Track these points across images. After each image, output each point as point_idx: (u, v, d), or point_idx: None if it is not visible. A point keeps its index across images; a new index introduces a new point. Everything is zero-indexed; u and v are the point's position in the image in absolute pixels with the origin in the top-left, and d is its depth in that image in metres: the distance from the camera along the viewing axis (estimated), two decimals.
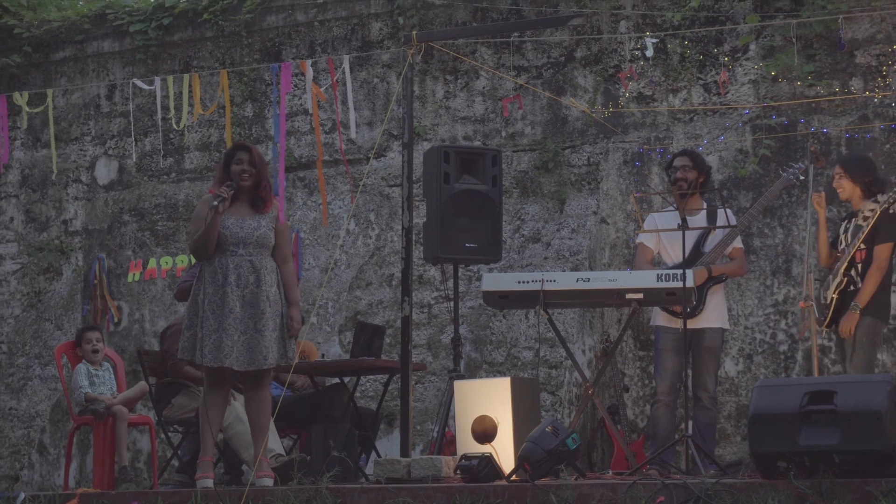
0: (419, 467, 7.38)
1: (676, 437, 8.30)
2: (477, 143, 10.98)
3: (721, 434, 9.86)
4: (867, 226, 7.99)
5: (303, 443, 9.36)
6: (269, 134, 11.71)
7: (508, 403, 7.82)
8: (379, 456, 8.79)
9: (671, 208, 8.42)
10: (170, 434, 9.26)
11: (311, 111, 10.81)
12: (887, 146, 9.92)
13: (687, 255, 8.44)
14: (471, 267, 10.50)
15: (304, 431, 9.20)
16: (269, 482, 7.53)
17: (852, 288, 8.04)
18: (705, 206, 8.71)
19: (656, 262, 8.96)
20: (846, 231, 8.18)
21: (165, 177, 12.15)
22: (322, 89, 10.56)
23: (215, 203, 7.48)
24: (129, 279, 12.04)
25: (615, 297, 8.09)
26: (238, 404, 8.35)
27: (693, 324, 8.46)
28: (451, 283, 9.65)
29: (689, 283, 7.85)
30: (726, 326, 8.80)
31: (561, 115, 10.95)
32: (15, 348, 12.31)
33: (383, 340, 9.35)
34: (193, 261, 11.41)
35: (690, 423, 8.45)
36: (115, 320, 11.98)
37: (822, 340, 9.54)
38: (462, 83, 11.27)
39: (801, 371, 9.89)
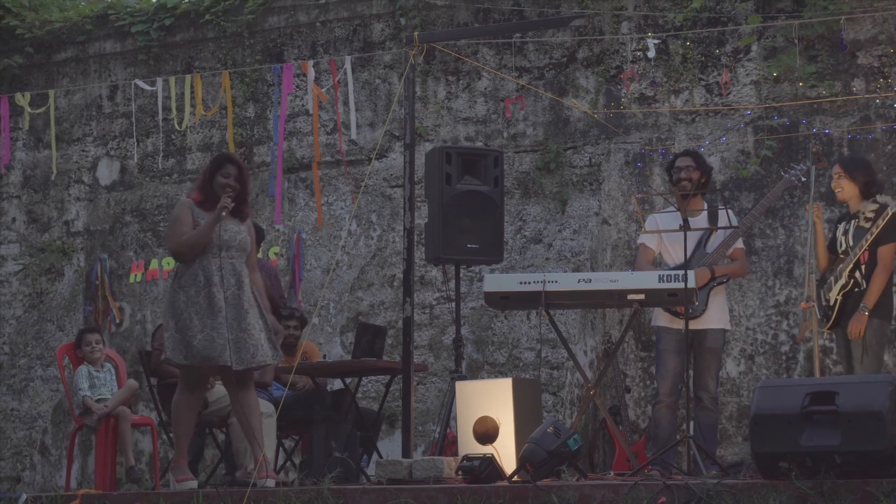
0: (421, 468, 7.38)
1: (678, 437, 8.30)
2: (479, 144, 10.99)
3: (722, 435, 9.86)
4: (876, 228, 7.97)
5: (304, 444, 9.37)
6: (271, 135, 11.71)
7: (510, 404, 7.82)
8: (381, 457, 8.79)
9: (672, 209, 8.42)
10: (171, 435, 9.26)
11: (312, 112, 10.81)
12: (889, 147, 9.92)
13: (689, 256, 8.44)
14: (472, 268, 10.49)
15: (305, 432, 9.20)
16: (271, 483, 7.53)
17: (857, 289, 8.03)
18: (706, 206, 8.71)
19: (657, 263, 8.95)
20: (846, 233, 8.16)
21: (167, 177, 12.15)
22: (324, 90, 10.57)
23: (223, 213, 7.61)
24: (131, 280, 12.05)
25: (617, 298, 8.08)
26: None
27: (695, 324, 8.46)
28: (452, 284, 9.65)
29: (691, 283, 7.85)
30: (728, 327, 8.80)
31: (563, 116, 10.96)
32: (17, 349, 12.32)
33: (385, 341, 9.35)
34: None
35: (692, 424, 8.46)
36: (117, 321, 11.99)
37: (822, 341, 9.54)
38: (464, 84, 11.27)
39: (802, 372, 9.89)
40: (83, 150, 12.48)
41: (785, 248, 10.10)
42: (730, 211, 8.68)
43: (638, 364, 10.40)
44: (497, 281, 8.28)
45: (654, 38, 10.19)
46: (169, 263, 11.83)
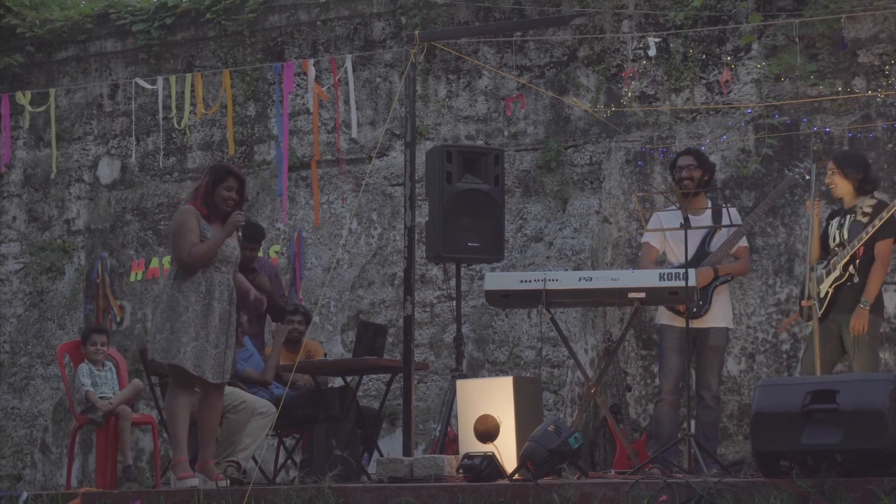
0: (421, 466, 7.38)
1: (679, 436, 8.30)
2: (479, 143, 10.98)
3: (723, 433, 9.86)
4: (879, 220, 7.96)
5: (305, 442, 9.37)
6: (272, 133, 11.71)
7: (511, 402, 7.82)
8: (381, 455, 8.79)
9: (675, 207, 8.42)
10: (168, 434, 9.26)
11: (312, 110, 10.81)
12: (890, 145, 9.91)
13: (692, 254, 8.44)
14: (473, 266, 10.50)
15: (306, 431, 9.20)
16: (193, 482, 7.57)
17: (849, 283, 8.05)
18: (710, 205, 8.70)
19: (661, 262, 8.95)
20: (840, 227, 8.16)
21: (168, 176, 12.15)
22: (324, 89, 10.57)
23: (239, 232, 7.84)
24: (132, 278, 12.05)
25: (617, 297, 8.09)
26: (252, 397, 8.43)
27: (698, 323, 8.46)
28: (453, 283, 9.65)
29: (692, 282, 7.85)
30: (731, 326, 8.79)
31: (563, 115, 10.95)
32: (17, 348, 12.32)
33: (386, 340, 9.35)
34: None
35: (693, 422, 8.46)
36: (118, 320, 11.99)
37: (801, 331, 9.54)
38: (464, 82, 11.27)
39: (803, 370, 9.88)
40: (84, 149, 12.48)
41: (786, 246, 10.10)
42: (733, 209, 8.68)
43: (639, 362, 10.40)
44: (498, 279, 8.28)
45: (654, 36, 10.19)
46: (169, 262, 11.81)
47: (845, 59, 10.12)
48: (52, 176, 12.10)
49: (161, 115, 11.34)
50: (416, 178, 8.51)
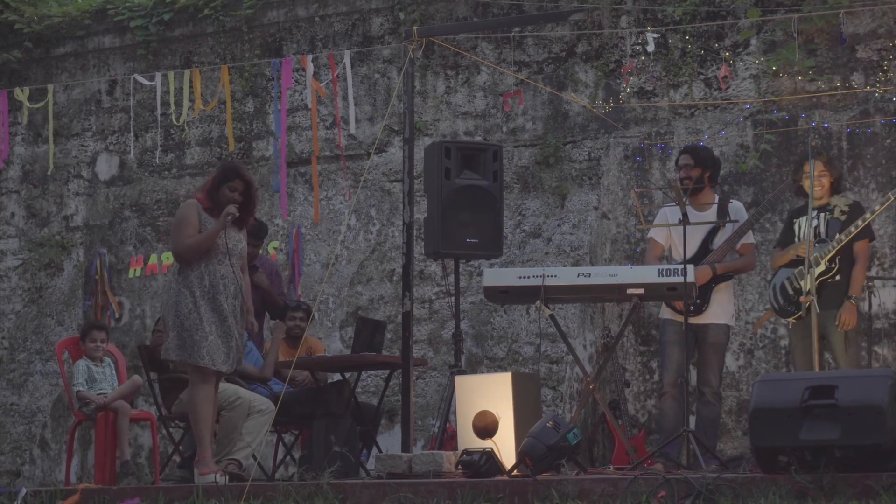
0: (420, 462, 7.39)
1: (679, 431, 8.31)
2: (478, 139, 10.98)
3: (722, 429, 9.86)
4: (863, 222, 8.07)
5: (304, 439, 9.37)
6: (270, 129, 11.71)
7: (509, 399, 7.82)
8: (380, 451, 8.80)
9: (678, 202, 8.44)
10: (171, 429, 9.26)
11: (311, 106, 10.81)
12: (888, 141, 9.91)
13: (695, 251, 8.45)
14: (472, 262, 10.50)
15: (305, 427, 9.20)
16: (222, 480, 7.60)
17: (832, 280, 8.11)
18: (717, 200, 8.67)
19: (666, 258, 8.94)
20: (816, 225, 8.21)
21: (166, 172, 12.15)
22: (322, 84, 10.56)
23: (229, 218, 7.76)
24: (130, 275, 12.05)
25: (616, 293, 8.09)
26: (249, 394, 8.44)
27: (697, 319, 8.47)
28: (451, 279, 9.65)
29: (690, 278, 7.85)
30: (731, 323, 8.77)
31: (562, 111, 10.95)
32: (16, 344, 12.32)
33: (384, 336, 9.35)
34: None
35: (692, 418, 8.46)
36: (116, 316, 11.98)
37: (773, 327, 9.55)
38: (463, 78, 11.27)
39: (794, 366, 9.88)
40: (82, 145, 12.47)
41: None
42: (739, 205, 8.67)
43: (637, 358, 10.40)
44: (496, 275, 8.28)
45: (653, 32, 10.19)
46: (168, 258, 11.82)
47: (843, 55, 10.11)
48: (51, 172, 12.10)
49: (159, 112, 11.34)
50: (415, 174, 8.51)
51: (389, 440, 10.15)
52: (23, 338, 12.31)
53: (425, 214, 8.91)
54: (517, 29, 10.95)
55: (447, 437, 8.66)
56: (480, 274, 10.23)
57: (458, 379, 8.24)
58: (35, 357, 12.15)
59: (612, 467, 8.41)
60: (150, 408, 9.99)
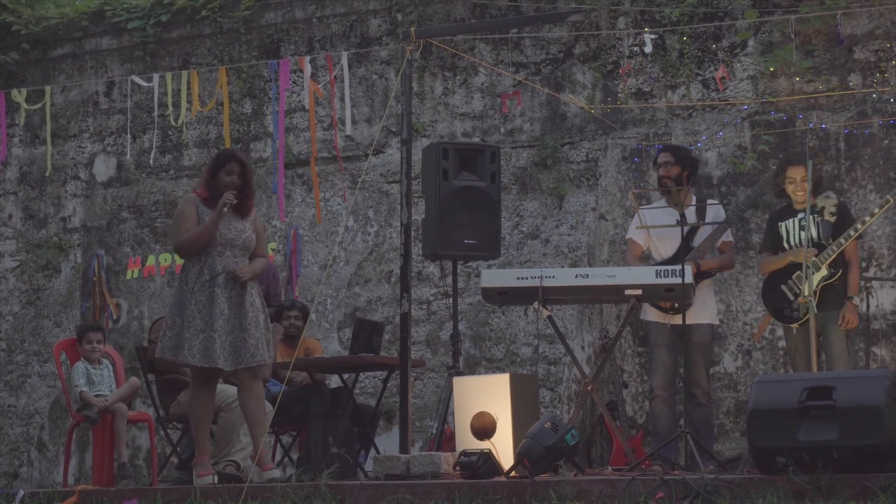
0: (418, 464, 7.38)
1: (676, 432, 8.31)
2: (476, 140, 10.98)
3: (720, 430, 9.87)
4: (862, 225, 8.13)
5: (302, 439, 9.36)
6: (268, 131, 11.71)
7: (507, 400, 7.82)
8: (378, 452, 8.79)
9: (658, 203, 8.45)
10: (169, 431, 9.26)
11: (308, 108, 10.81)
12: (885, 142, 9.92)
13: (675, 250, 8.48)
14: (469, 263, 10.50)
15: (303, 428, 9.19)
16: (276, 474, 7.56)
17: (834, 282, 8.16)
18: (695, 201, 8.72)
19: (646, 258, 8.96)
20: (803, 228, 8.24)
21: (164, 173, 12.15)
22: (320, 86, 10.56)
23: (225, 209, 7.67)
24: (128, 276, 12.04)
25: (614, 294, 8.10)
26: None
27: (680, 319, 8.46)
28: (449, 280, 9.65)
29: (688, 279, 7.85)
30: (715, 322, 8.78)
31: (559, 112, 10.95)
32: (14, 345, 12.31)
33: (382, 337, 9.35)
34: None
35: (687, 420, 8.46)
36: (114, 317, 11.98)
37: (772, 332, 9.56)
38: (461, 79, 11.27)
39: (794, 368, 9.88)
40: (80, 147, 12.47)
41: None
42: (717, 205, 8.69)
43: (635, 359, 10.40)
44: (494, 276, 8.29)
45: (650, 33, 10.19)
46: (166, 259, 11.83)
47: (841, 56, 10.12)
48: (48, 173, 12.08)
49: (157, 113, 11.33)
50: (413, 175, 8.51)
51: (387, 441, 10.15)
52: (20, 339, 12.30)
53: (423, 216, 8.91)
54: (515, 30, 10.95)
55: (445, 439, 8.66)
56: (478, 275, 10.22)
57: (456, 380, 8.24)
58: (33, 359, 12.15)
59: (610, 468, 8.41)
60: (147, 409, 9.99)
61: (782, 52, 10.06)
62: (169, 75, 10.82)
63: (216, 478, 7.67)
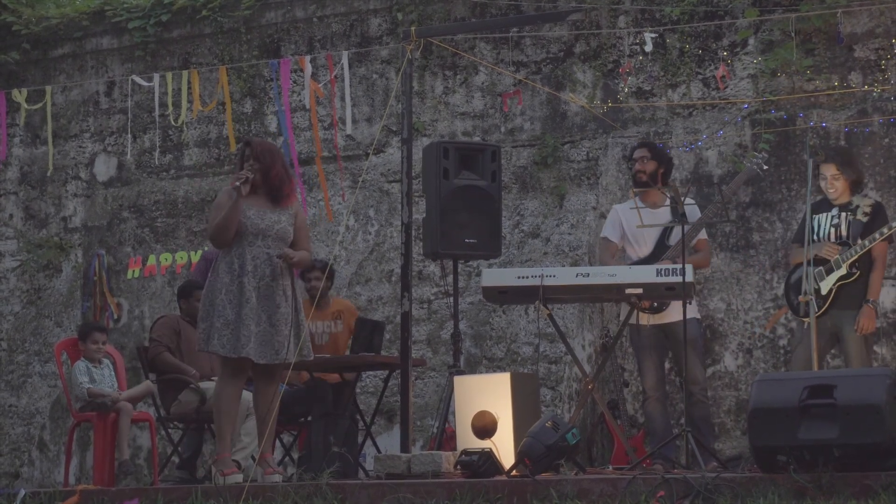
0: (419, 463, 7.38)
1: (676, 431, 8.31)
2: (476, 139, 10.98)
3: (721, 428, 9.87)
4: (889, 230, 8.06)
5: (302, 439, 9.36)
6: (269, 130, 11.71)
7: (508, 399, 7.83)
8: (379, 452, 8.80)
9: (633, 201, 8.47)
10: (170, 430, 9.26)
11: (309, 107, 10.81)
12: (886, 140, 9.92)
13: (652, 248, 8.49)
14: (470, 262, 10.50)
15: (303, 427, 9.19)
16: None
17: (852, 281, 8.10)
18: (668, 200, 8.69)
19: (621, 257, 8.91)
20: (836, 225, 8.21)
21: (165, 173, 12.15)
22: (321, 85, 10.56)
23: (237, 184, 7.49)
24: (129, 276, 12.04)
25: (615, 293, 8.10)
26: (248, 395, 8.38)
27: (662, 318, 8.47)
28: (450, 279, 9.65)
29: (689, 277, 7.85)
30: (697, 315, 8.72)
31: (560, 111, 10.95)
32: (14, 345, 12.32)
33: (383, 336, 9.35)
34: (195, 258, 11.45)
35: (683, 420, 8.46)
36: (115, 317, 11.98)
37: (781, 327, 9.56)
38: (461, 79, 11.27)
39: (794, 366, 9.87)
40: (80, 146, 12.47)
41: (782, 241, 10.09)
42: (694, 205, 8.67)
43: (636, 358, 10.39)
44: (495, 275, 8.28)
45: (651, 32, 10.19)
46: (167, 259, 11.83)
47: (841, 54, 10.12)
48: (49, 173, 12.09)
49: (158, 113, 11.33)
50: (413, 174, 8.51)
51: (388, 440, 10.15)
52: (21, 339, 12.30)
53: (424, 215, 8.91)
54: (515, 29, 10.95)
55: (446, 438, 8.66)
56: (479, 274, 10.23)
57: (457, 379, 8.25)
58: (34, 358, 12.15)
59: (610, 467, 8.41)
60: (149, 409, 9.99)
61: (783, 51, 10.06)
62: (169, 75, 10.82)
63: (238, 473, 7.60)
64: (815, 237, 8.26)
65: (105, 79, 12.43)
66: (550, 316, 8.12)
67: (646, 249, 8.59)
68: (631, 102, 10.62)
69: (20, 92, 11.05)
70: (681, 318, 8.29)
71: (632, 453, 8.52)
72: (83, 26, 12.49)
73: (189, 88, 10.74)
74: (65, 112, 12.52)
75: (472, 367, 10.17)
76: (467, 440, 7.81)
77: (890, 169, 9.85)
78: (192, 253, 11.64)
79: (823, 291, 8.11)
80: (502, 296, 8.29)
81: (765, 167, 8.80)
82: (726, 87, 10.35)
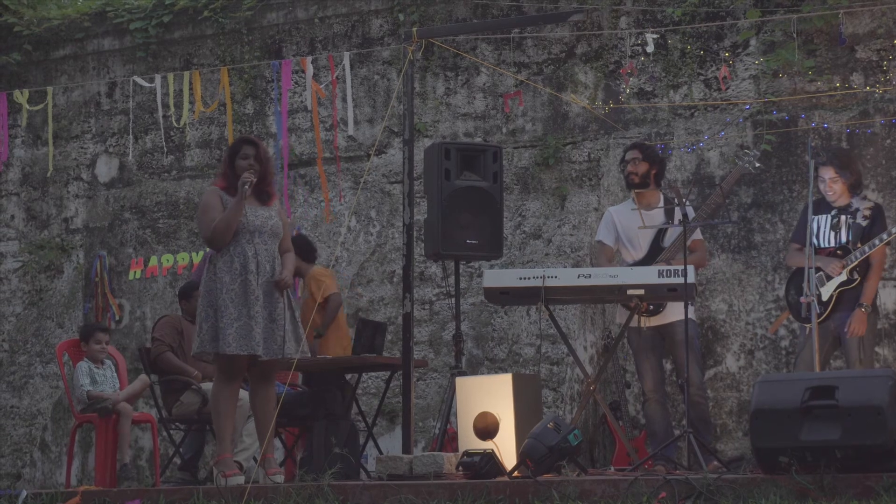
0: (421, 464, 7.39)
1: (677, 432, 8.31)
2: (478, 140, 10.98)
3: (722, 430, 9.87)
4: (889, 237, 8.04)
5: (304, 440, 9.36)
6: (270, 131, 11.71)
7: (510, 400, 7.83)
8: (381, 453, 8.80)
9: (627, 202, 8.44)
10: (172, 432, 9.26)
11: (311, 108, 10.81)
12: (888, 141, 9.91)
13: (647, 250, 8.47)
14: (472, 263, 10.50)
15: (305, 429, 9.19)
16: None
17: (851, 286, 8.11)
18: (662, 201, 8.68)
19: (616, 261, 8.89)
20: (836, 227, 8.20)
21: (166, 174, 12.15)
22: (322, 86, 10.57)
23: (246, 186, 7.53)
24: (131, 277, 12.04)
25: (616, 293, 8.09)
26: (247, 395, 8.37)
27: (659, 320, 8.46)
28: (452, 280, 9.65)
29: (691, 279, 7.85)
30: (694, 317, 8.72)
31: (561, 112, 10.95)
32: (16, 346, 12.32)
33: (385, 337, 9.35)
34: (196, 258, 11.46)
35: (683, 421, 8.45)
36: (117, 318, 11.98)
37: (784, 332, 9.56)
38: (462, 80, 11.27)
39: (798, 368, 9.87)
40: (82, 147, 12.47)
41: (784, 242, 10.09)
42: (687, 203, 8.66)
43: (635, 360, 10.38)
44: (497, 276, 8.28)
45: (652, 32, 10.19)
46: (168, 260, 11.83)
47: (843, 55, 10.12)
48: (50, 174, 12.09)
49: (159, 114, 11.34)
50: (415, 175, 8.51)
51: (390, 441, 10.15)
52: (23, 340, 12.31)
53: (425, 216, 8.91)
54: (517, 30, 10.95)
55: (448, 439, 8.66)
56: (481, 275, 10.23)
57: (459, 380, 8.24)
58: (35, 359, 12.16)
59: (612, 468, 8.41)
60: (150, 410, 10.00)
61: (784, 52, 10.06)
62: (171, 76, 10.83)
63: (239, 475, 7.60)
64: (815, 239, 8.26)
65: (106, 80, 12.44)
66: (552, 316, 8.12)
67: (640, 252, 8.58)
68: (632, 103, 10.62)
69: (22, 93, 11.06)
70: (677, 318, 8.34)
71: (633, 454, 8.52)
72: (85, 27, 12.49)
73: (190, 89, 10.74)
74: (66, 113, 12.53)
75: (474, 369, 10.17)
76: (469, 441, 7.81)
77: (892, 170, 9.84)
78: (194, 254, 11.65)
79: (825, 297, 8.12)
80: (504, 297, 8.29)
81: (757, 164, 8.77)
82: (728, 88, 10.35)
